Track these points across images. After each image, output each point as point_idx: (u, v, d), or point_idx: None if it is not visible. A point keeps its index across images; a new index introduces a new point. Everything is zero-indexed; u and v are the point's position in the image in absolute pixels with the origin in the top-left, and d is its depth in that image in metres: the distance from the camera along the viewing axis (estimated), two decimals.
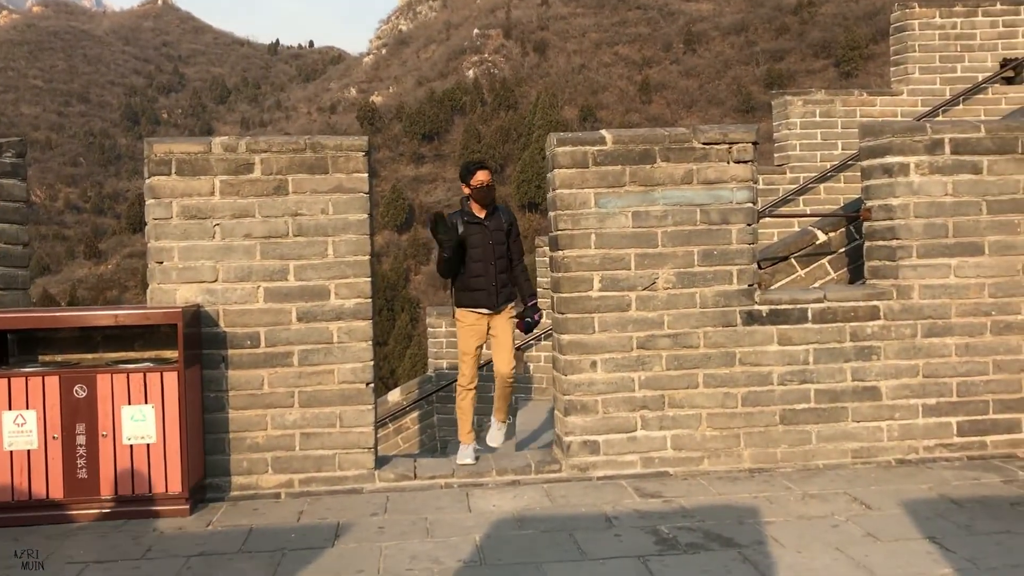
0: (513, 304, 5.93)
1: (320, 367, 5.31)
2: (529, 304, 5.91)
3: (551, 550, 4.19)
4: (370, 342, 5.38)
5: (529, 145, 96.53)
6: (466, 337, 5.83)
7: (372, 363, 5.38)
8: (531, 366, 11.72)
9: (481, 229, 5.77)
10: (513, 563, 4.04)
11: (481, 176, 5.75)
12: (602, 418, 5.39)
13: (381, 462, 5.51)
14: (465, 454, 5.65)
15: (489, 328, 5.85)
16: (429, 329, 12.31)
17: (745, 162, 5.46)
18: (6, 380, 4.79)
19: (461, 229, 5.71)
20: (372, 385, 5.38)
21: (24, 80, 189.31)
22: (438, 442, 11.51)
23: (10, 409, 4.77)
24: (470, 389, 5.89)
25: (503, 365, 5.91)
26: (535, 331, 11.85)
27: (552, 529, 4.50)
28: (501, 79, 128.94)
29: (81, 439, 4.82)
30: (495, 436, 6.26)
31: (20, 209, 5.33)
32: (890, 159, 5.60)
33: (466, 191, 5.83)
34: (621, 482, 5.29)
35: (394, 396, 12.19)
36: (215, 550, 4.34)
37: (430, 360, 12.27)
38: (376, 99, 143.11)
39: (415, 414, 11.77)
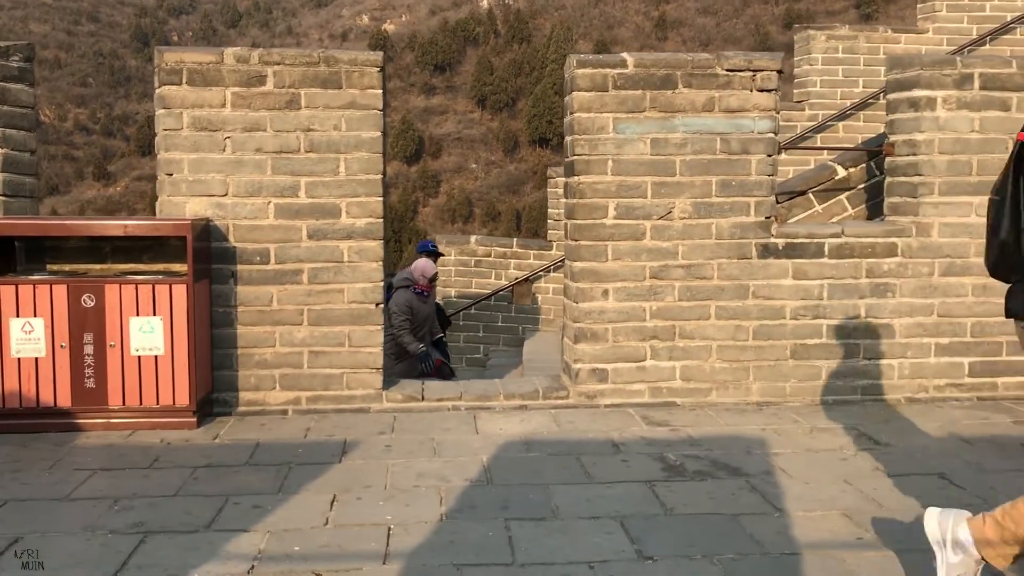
0: None
1: (330, 286, 5.26)
2: None
3: (558, 473, 4.19)
4: (380, 263, 5.32)
5: (542, 79, 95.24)
6: None
7: (383, 284, 5.33)
8: (539, 297, 11.68)
9: None
10: (520, 484, 4.04)
11: None
12: (611, 347, 5.35)
13: (389, 383, 5.49)
14: None
15: None
16: None
17: (769, 91, 5.32)
18: (13, 287, 4.75)
19: None
20: (382, 306, 5.34)
21: None
22: None
23: (18, 316, 4.75)
24: None
25: None
26: (544, 263, 11.86)
27: (559, 453, 4.49)
28: (516, 11, 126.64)
29: (89, 349, 4.80)
30: None
31: (28, 115, 5.23)
32: (917, 92, 5.45)
33: None
34: (628, 410, 5.28)
35: None
36: (222, 462, 4.35)
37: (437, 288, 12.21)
38: (388, 27, 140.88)
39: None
